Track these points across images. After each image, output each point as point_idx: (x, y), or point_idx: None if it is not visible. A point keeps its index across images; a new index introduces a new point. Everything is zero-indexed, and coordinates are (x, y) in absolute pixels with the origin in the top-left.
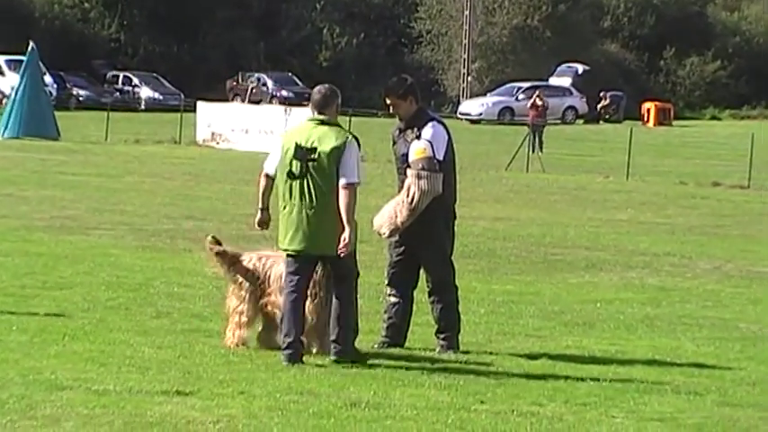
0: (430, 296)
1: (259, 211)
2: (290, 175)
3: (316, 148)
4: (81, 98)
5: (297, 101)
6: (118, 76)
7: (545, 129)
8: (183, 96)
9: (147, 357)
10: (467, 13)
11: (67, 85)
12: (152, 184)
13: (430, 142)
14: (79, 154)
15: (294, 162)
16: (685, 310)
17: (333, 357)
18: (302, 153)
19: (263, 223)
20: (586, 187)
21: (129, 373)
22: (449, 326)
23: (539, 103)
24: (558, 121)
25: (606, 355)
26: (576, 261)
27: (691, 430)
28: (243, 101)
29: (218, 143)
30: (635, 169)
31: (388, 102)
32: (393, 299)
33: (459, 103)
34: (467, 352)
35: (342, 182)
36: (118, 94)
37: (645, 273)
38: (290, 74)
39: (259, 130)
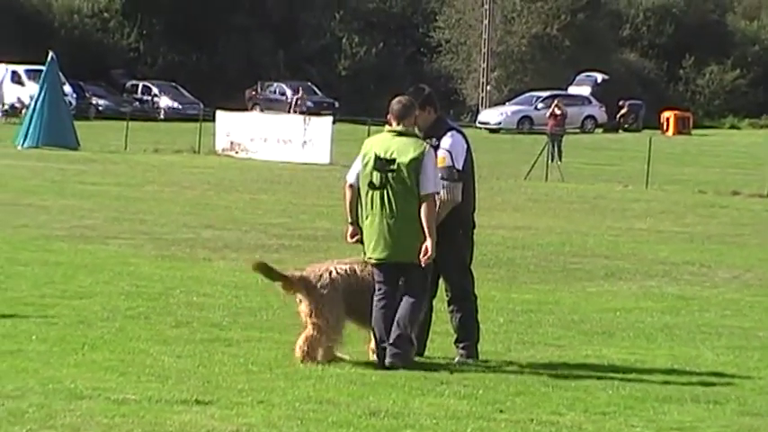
0: (449, 305)
1: (349, 225)
2: (371, 185)
3: (395, 159)
4: (100, 108)
5: (316, 110)
6: (137, 86)
7: (564, 138)
8: (202, 106)
9: (167, 366)
10: (486, 22)
11: (87, 95)
12: (171, 193)
13: (449, 151)
14: (98, 163)
15: (374, 173)
16: (704, 319)
17: (388, 362)
18: (382, 164)
19: (354, 236)
20: (605, 196)
21: (149, 382)
22: (468, 335)
23: (558, 112)
24: (578, 130)
25: (625, 365)
26: (595, 270)
27: None
28: (288, 111)
29: (237, 152)
30: (654, 178)
31: None
32: None
33: (478, 112)
34: (486, 361)
35: (421, 193)
36: (137, 103)
37: (664, 282)
38: (309, 83)
39: (278, 139)
